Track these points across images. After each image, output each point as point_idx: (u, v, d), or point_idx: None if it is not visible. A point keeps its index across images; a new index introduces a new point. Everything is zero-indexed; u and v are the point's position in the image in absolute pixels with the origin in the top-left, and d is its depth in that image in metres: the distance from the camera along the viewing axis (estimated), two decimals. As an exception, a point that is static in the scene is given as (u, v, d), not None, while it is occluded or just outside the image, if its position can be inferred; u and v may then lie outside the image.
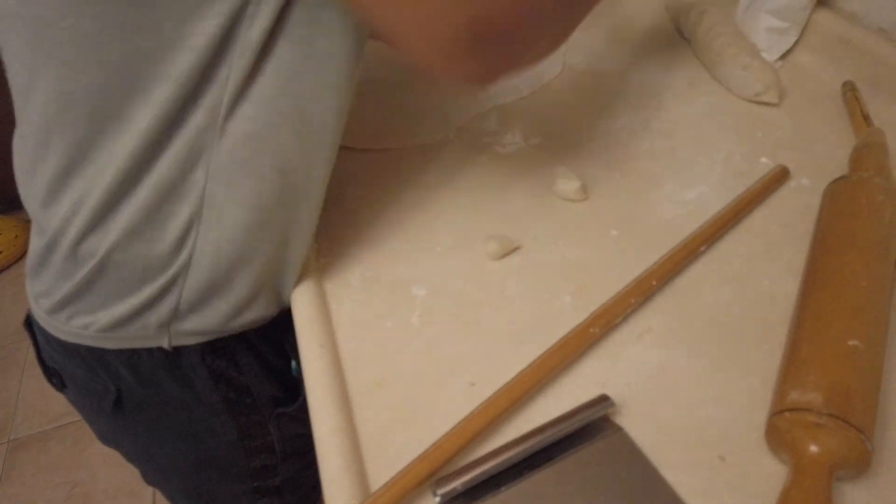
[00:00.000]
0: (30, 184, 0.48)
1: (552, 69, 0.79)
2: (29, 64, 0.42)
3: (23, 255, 2.02)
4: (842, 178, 0.55)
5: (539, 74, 0.78)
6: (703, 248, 0.54)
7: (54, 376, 0.61)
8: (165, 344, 0.53)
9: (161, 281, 0.49)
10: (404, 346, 0.49)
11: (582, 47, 0.84)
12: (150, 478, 0.71)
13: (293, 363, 0.64)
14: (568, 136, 0.70)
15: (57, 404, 1.61)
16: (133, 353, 0.54)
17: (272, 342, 0.62)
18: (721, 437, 0.42)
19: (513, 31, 0.39)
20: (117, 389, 0.57)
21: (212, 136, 0.43)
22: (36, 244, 0.51)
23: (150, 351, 0.54)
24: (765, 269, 0.52)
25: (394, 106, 0.76)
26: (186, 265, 0.49)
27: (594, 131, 0.70)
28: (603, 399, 0.43)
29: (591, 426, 0.42)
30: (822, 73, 0.74)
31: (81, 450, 1.52)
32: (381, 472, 0.40)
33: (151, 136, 0.42)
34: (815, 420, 0.38)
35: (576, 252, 0.56)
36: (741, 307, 0.50)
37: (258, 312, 0.55)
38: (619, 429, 0.42)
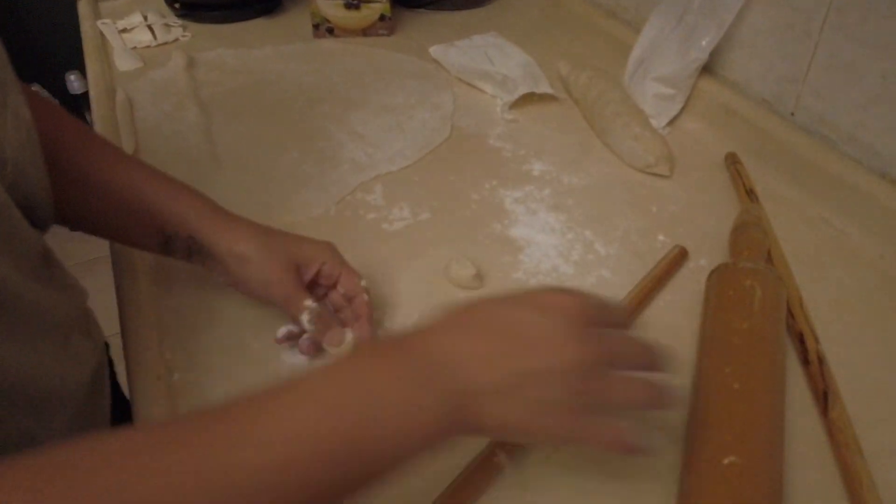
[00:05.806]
0: None
1: (441, 133, 0.74)
2: None
3: None
4: (718, 267, 0.53)
5: (427, 139, 0.73)
6: (607, 347, 0.49)
7: None
8: None
9: None
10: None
11: (471, 108, 0.80)
12: None
13: None
14: (460, 210, 0.64)
15: None
16: None
17: None
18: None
19: None
20: None
21: None
22: None
23: None
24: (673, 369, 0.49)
25: (262, 178, 0.68)
26: None
27: (487, 205, 0.65)
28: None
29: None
30: (709, 141, 0.73)
31: None
32: None
33: None
34: None
35: (473, 352, 0.50)
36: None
37: None
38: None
